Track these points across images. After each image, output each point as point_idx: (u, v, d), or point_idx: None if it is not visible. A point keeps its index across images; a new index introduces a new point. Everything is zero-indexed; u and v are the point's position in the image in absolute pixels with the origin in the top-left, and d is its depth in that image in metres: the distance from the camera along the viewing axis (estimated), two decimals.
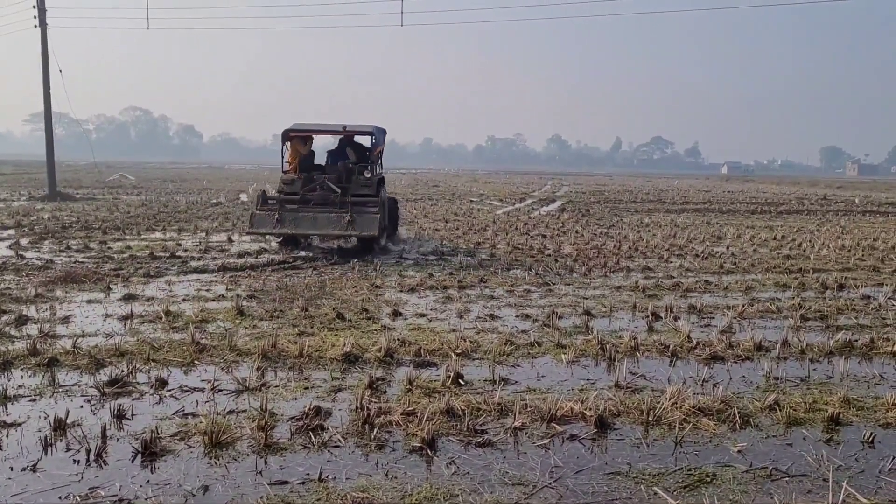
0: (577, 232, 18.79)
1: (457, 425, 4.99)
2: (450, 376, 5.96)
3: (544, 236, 17.58)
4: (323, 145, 16.18)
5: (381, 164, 15.68)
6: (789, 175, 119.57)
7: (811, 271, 12.38)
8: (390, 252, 14.15)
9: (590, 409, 5.24)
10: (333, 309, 8.60)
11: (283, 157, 14.86)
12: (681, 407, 5.32)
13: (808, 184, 69.39)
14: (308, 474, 4.25)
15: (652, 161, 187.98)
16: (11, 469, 4.26)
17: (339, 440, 4.76)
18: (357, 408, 5.21)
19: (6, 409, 5.25)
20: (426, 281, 10.79)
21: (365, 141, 15.42)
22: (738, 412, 5.28)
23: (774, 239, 17.74)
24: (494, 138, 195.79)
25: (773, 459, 4.60)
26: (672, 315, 8.65)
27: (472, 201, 31.97)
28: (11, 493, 3.99)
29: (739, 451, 4.71)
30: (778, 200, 37.52)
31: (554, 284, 10.78)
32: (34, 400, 5.44)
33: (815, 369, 6.65)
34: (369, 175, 14.45)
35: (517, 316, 8.63)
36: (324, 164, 15.38)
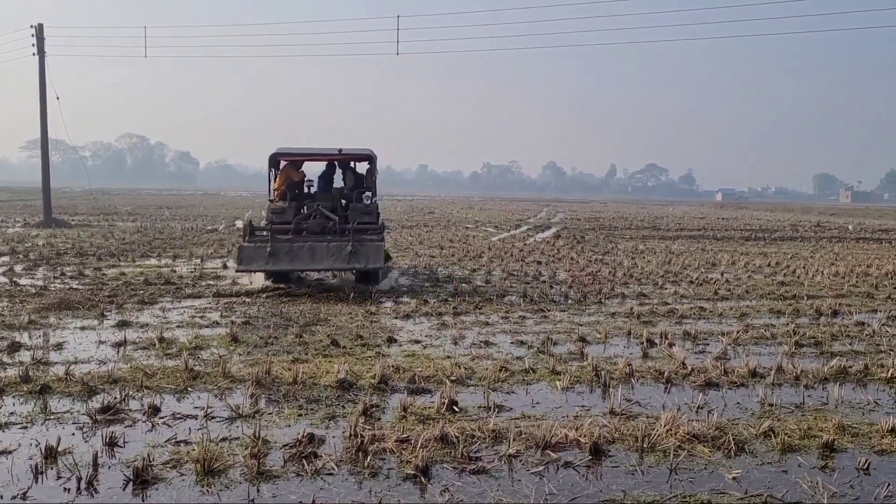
0: (572, 258, 18.83)
1: (451, 452, 4.97)
2: (444, 403, 5.94)
3: (539, 263, 17.62)
4: (313, 172, 14.86)
5: (376, 190, 14.35)
6: (783, 202, 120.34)
7: (805, 297, 12.41)
8: (384, 280, 13.47)
9: (584, 435, 5.23)
10: (328, 335, 8.58)
11: (269, 184, 13.71)
12: (676, 433, 5.31)
13: (802, 210, 69.80)
14: (301, 502, 4.22)
15: (646, 188, 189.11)
16: (1, 498, 4.22)
17: (333, 468, 4.73)
18: (351, 435, 5.19)
19: None
20: (421, 307, 10.79)
21: (360, 166, 14.46)
22: (733, 439, 5.27)
23: (769, 265, 17.80)
24: (490, 165, 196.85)
25: (769, 486, 4.58)
26: (667, 341, 8.65)
27: (467, 228, 32.04)
28: None
29: (734, 479, 4.69)
30: (772, 227, 37.70)
31: (549, 311, 10.78)
32: (25, 427, 5.40)
33: (809, 395, 6.65)
34: (368, 202, 13.38)
35: (512, 342, 8.62)
36: (314, 191, 14.14)
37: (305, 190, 13.97)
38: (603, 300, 11.90)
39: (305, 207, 13.46)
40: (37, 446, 4.90)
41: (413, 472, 4.63)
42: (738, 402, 6.39)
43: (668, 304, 11.62)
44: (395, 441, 5.12)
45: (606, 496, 4.41)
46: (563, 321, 10.05)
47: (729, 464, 4.94)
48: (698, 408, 6.16)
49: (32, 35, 29.51)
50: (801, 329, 9.59)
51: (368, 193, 13.55)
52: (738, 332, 9.19)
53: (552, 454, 5.00)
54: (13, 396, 6.12)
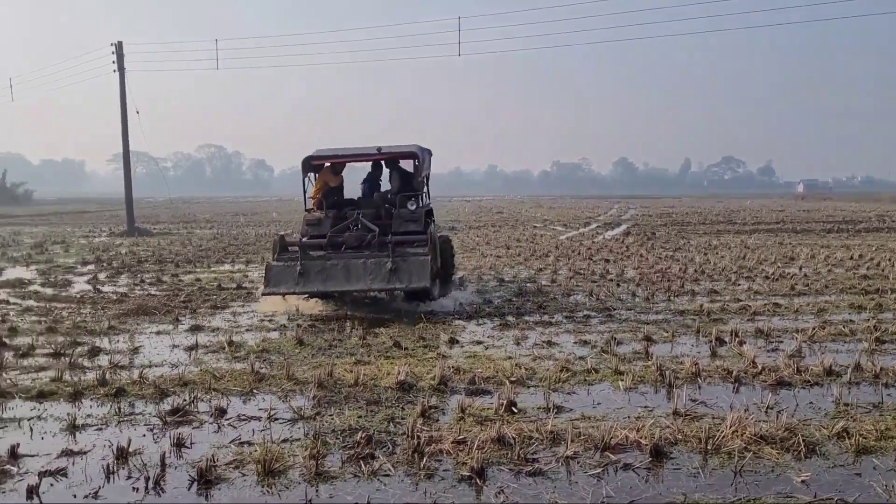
0: (641, 256, 18.46)
1: (507, 454, 4.94)
2: (503, 404, 5.91)
3: (607, 261, 17.34)
4: (354, 178, 13.27)
5: (428, 192, 12.76)
6: (870, 192, 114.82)
7: (889, 291, 11.81)
8: (444, 296, 11.55)
9: (645, 437, 5.11)
10: (391, 337, 8.67)
11: (304, 192, 12.07)
12: (742, 435, 5.13)
13: (890, 200, 66.45)
14: (356, 503, 4.27)
15: (723, 181, 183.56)
16: (74, 497, 4.43)
17: (389, 469, 4.77)
18: (408, 436, 5.22)
19: (74, 437, 5.47)
20: (484, 308, 10.77)
21: (407, 165, 12.42)
22: (804, 440, 5.06)
23: (851, 258, 17.02)
24: (559, 163, 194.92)
25: (840, 490, 4.38)
26: (737, 339, 8.37)
27: (535, 227, 31.84)
28: None
29: (803, 482, 4.50)
30: (856, 218, 36.05)
31: (614, 310, 10.60)
32: (100, 429, 5.65)
33: (889, 395, 6.33)
34: (413, 207, 11.55)
35: (575, 342, 8.51)
36: (358, 196, 12.59)
37: (346, 197, 12.46)
38: (672, 298, 11.62)
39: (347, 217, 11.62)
40: (109, 447, 5.12)
41: (468, 474, 4.62)
42: (811, 402, 6.13)
43: (741, 300, 11.25)
44: (452, 442, 5.12)
45: (666, 499, 4.30)
46: (628, 320, 9.86)
47: (798, 466, 4.74)
48: (768, 408, 5.94)
49: (112, 52, 30.87)
50: (884, 325, 9.12)
51: (412, 200, 11.72)
52: (814, 329, 8.82)
53: (611, 456, 4.91)
54: (91, 399, 6.41)
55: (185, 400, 6.23)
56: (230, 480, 4.62)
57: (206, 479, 4.58)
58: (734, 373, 6.87)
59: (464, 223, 33.56)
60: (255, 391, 6.58)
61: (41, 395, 6.47)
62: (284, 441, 5.28)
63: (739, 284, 13.02)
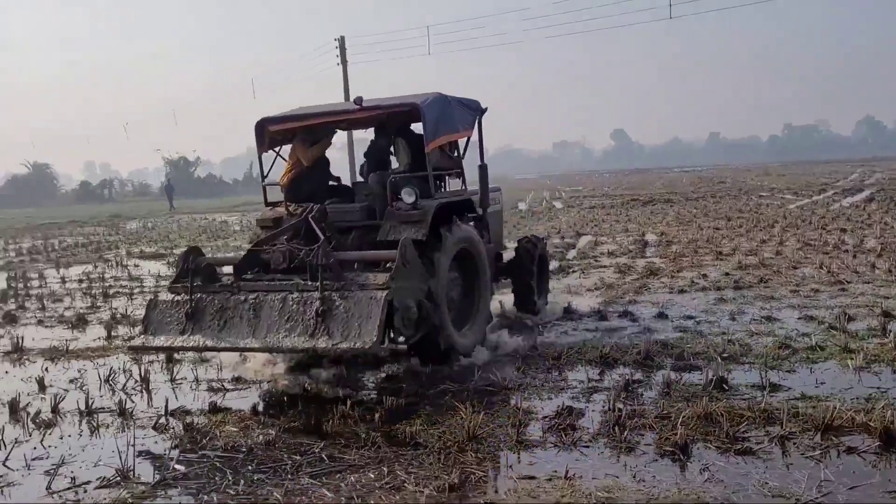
0: (885, 224, 16.52)
1: (714, 431, 4.73)
2: (712, 381, 5.65)
3: (843, 230, 15.72)
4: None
5: (485, 173, 7.98)
6: None
7: None
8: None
9: (875, 419, 4.64)
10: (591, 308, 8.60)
11: (262, 175, 7.77)
12: None
13: None
14: (555, 471, 4.34)
15: None
16: None
17: (589, 440, 4.78)
18: (609, 409, 5.19)
19: None
20: (698, 282, 10.29)
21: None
22: None
23: None
24: (791, 126, 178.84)
25: None
26: None
27: (760, 196, 29.62)
28: None
29: None
30: None
31: (849, 283, 9.63)
32: None
33: None
34: (413, 199, 6.67)
35: (799, 318, 7.87)
36: (356, 182, 8.15)
37: (331, 177, 7.85)
38: None
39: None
40: None
41: (671, 450, 4.50)
42: None
43: None
44: (655, 417, 5.02)
45: (893, 486, 3.90)
46: (864, 294, 8.92)
47: None
48: None
49: (336, 47, 33.24)
50: None
51: (409, 188, 6.73)
52: None
53: (833, 438, 4.53)
54: None
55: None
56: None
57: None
58: None
59: (681, 195, 32.09)
60: None
61: None
62: (487, 409, 5.47)
63: None
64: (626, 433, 4.77)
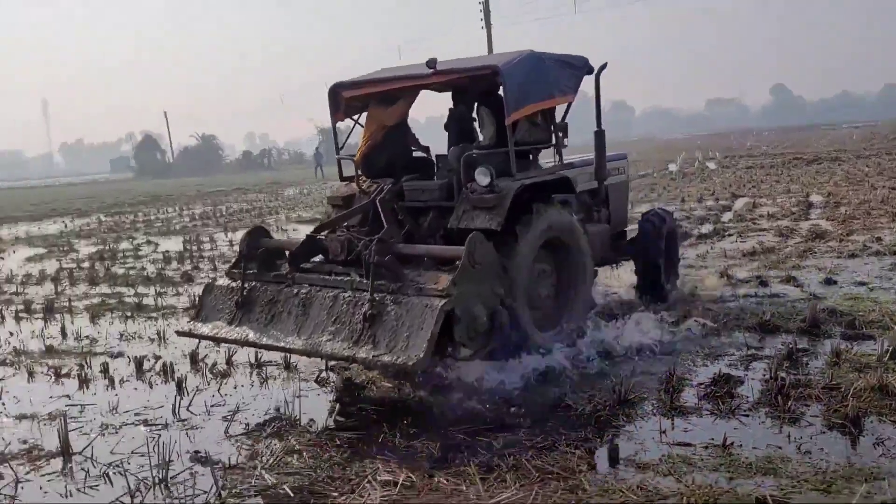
0: None
1: (890, 404, 4.41)
2: (888, 351, 5.24)
3: None
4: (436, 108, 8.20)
5: (604, 145, 7.01)
6: None
7: None
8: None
9: None
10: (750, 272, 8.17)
11: (337, 147, 7.04)
12: None
13: None
14: (712, 439, 4.20)
15: None
16: None
17: (748, 409, 4.59)
18: (771, 378, 4.95)
19: None
20: (870, 245, 9.51)
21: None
22: None
23: None
24: None
25: None
26: None
27: None
28: None
29: None
30: None
31: None
32: None
33: None
34: (487, 181, 5.63)
35: None
36: (438, 154, 6.92)
37: (413, 146, 6.97)
38: None
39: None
40: None
41: (840, 422, 4.24)
42: None
43: None
44: (822, 388, 4.73)
45: None
46: None
47: None
48: None
49: (480, 10, 33.13)
50: None
51: (484, 168, 5.69)
52: None
53: None
54: None
55: None
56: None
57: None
58: None
59: (851, 152, 29.59)
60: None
61: None
62: (642, 373, 5.37)
63: None
64: (789, 403, 4.55)
